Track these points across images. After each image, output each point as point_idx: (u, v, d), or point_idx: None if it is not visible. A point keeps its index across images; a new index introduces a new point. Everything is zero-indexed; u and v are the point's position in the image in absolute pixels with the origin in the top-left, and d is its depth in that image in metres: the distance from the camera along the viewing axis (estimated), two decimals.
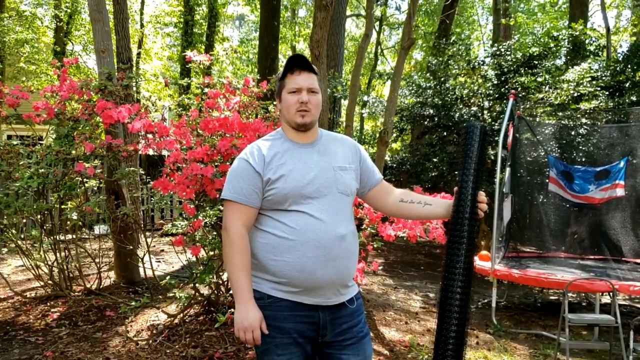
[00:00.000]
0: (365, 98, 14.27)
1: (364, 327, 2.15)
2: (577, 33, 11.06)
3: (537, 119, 8.71)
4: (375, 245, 5.03)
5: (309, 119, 2.11)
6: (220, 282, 4.77)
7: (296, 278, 2.00)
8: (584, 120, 8.66)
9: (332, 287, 2.04)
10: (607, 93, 9.35)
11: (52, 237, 5.40)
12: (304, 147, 2.13)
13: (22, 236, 5.83)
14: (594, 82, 9.28)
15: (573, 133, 8.43)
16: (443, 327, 1.97)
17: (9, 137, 10.79)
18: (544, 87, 9.68)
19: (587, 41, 11.62)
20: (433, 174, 9.76)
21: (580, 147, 8.29)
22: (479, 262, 6.43)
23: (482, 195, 2.05)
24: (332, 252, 2.00)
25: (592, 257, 7.36)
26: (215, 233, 4.50)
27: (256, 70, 13.90)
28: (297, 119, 2.10)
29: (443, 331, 1.97)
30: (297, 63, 2.11)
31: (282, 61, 23.33)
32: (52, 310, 5.18)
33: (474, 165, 2.01)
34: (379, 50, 24.01)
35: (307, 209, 2.01)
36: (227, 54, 14.42)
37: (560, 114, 9.08)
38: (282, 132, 2.20)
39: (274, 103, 5.46)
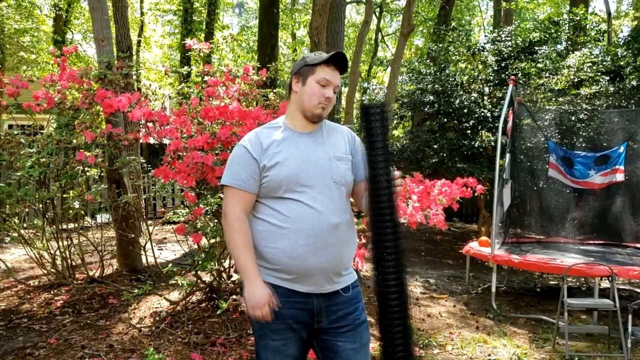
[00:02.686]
0: (366, 85, 14.25)
1: (360, 315, 2.17)
2: (578, 18, 11.03)
3: (537, 105, 8.70)
4: None
5: (325, 114, 2.16)
6: (222, 269, 4.81)
7: (288, 265, 2.03)
8: (584, 106, 8.65)
9: (324, 275, 2.06)
10: (607, 78, 9.34)
11: (54, 226, 5.43)
12: (303, 136, 2.15)
13: (25, 225, 5.86)
14: (594, 67, 9.27)
15: (573, 118, 8.43)
16: (384, 311, 1.97)
17: (10, 126, 10.81)
18: (544, 72, 9.67)
19: (588, 26, 11.59)
20: (433, 161, 9.77)
21: (581, 133, 8.29)
22: (479, 248, 6.47)
23: (395, 172, 2.03)
24: (324, 241, 2.02)
25: (591, 242, 7.40)
26: (216, 221, 4.53)
27: (256, 57, 13.87)
28: (317, 111, 2.13)
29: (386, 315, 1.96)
30: (339, 60, 2.15)
31: (282, 48, 23.29)
32: (56, 298, 5.22)
33: (381, 144, 1.96)
34: (379, 37, 23.94)
35: (301, 197, 2.03)
36: (227, 41, 14.38)
37: (561, 99, 9.07)
38: (283, 120, 2.22)
39: (274, 91, 5.47)
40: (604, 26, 12.86)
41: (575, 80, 9.22)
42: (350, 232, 2.16)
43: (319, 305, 2.08)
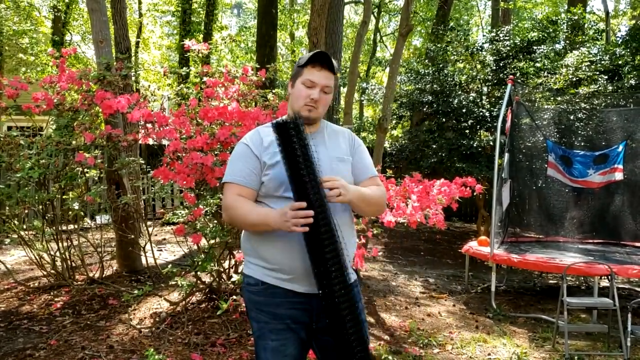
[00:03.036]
0: (364, 85, 14.25)
1: (361, 314, 2.17)
2: (577, 17, 11.04)
3: (536, 104, 8.71)
4: (375, 232, 5.07)
5: (314, 115, 2.13)
6: (222, 269, 4.82)
7: (286, 265, 2.03)
8: (582, 105, 8.67)
9: None
10: (606, 77, 9.36)
11: (54, 227, 5.43)
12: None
13: (25, 227, 5.86)
14: (592, 67, 9.29)
15: (572, 118, 8.45)
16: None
17: (9, 128, 10.80)
18: (542, 72, 9.68)
19: (586, 25, 11.61)
20: (432, 160, 9.78)
21: (579, 132, 8.31)
22: (478, 247, 6.48)
23: (325, 178, 1.96)
24: None
25: (590, 241, 7.41)
26: (215, 222, 4.54)
27: (255, 58, 13.88)
28: (303, 112, 2.11)
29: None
30: (322, 59, 2.12)
31: (281, 49, 23.32)
32: (56, 299, 5.22)
33: (302, 160, 1.90)
34: (378, 37, 23.95)
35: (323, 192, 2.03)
36: (225, 42, 14.39)
37: (559, 98, 9.09)
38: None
39: (273, 91, 5.48)
40: (602, 25, 12.88)
41: (574, 79, 9.23)
42: (350, 232, 2.16)
43: (318, 306, 2.07)
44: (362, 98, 16.24)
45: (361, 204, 2.13)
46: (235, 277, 4.48)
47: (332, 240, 1.89)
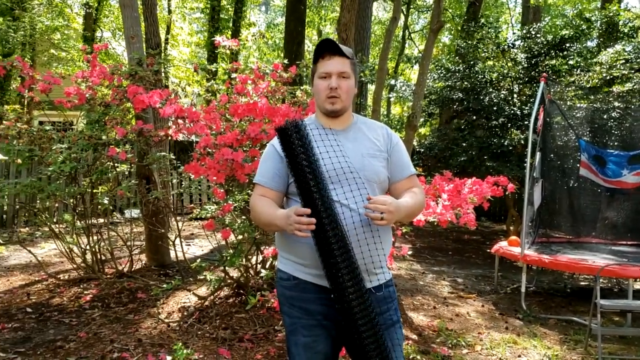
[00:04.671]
0: (393, 82, 14.16)
1: (393, 315, 2.12)
2: (611, 14, 10.80)
3: (568, 103, 8.55)
4: (404, 231, 5.02)
5: (339, 106, 2.09)
6: (250, 265, 4.82)
7: (317, 260, 1.98)
8: (616, 104, 8.47)
9: None
10: None
11: (84, 221, 5.50)
12: (335, 133, 2.11)
13: (55, 220, 5.95)
14: (627, 65, 9.07)
15: (605, 117, 8.27)
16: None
17: (41, 122, 11.00)
18: (575, 70, 9.50)
19: (621, 22, 11.34)
20: (462, 159, 9.67)
21: (613, 131, 8.13)
22: (508, 248, 6.38)
23: (373, 200, 1.92)
24: (355, 238, 1.97)
25: (624, 242, 7.24)
26: (244, 217, 4.54)
27: (282, 55, 13.88)
28: (327, 106, 2.09)
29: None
30: (327, 48, 2.09)
31: (309, 45, 23.30)
32: (85, 292, 5.29)
33: (306, 164, 1.87)
34: (407, 34, 23.79)
35: (332, 194, 1.99)
36: (255, 38, 14.42)
37: (592, 97, 8.90)
38: (315, 118, 2.20)
39: (302, 88, 5.46)
40: (638, 22, 12.55)
41: (608, 77, 9.03)
42: (385, 231, 2.10)
43: None
44: (390, 95, 16.11)
45: (406, 220, 2.11)
46: (263, 273, 4.48)
47: (341, 244, 1.86)
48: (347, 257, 1.86)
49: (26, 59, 14.77)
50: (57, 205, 8.37)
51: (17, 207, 8.81)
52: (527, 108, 9.38)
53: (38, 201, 6.74)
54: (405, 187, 2.19)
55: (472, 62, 10.66)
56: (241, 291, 4.91)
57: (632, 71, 9.04)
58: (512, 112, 9.53)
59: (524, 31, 10.53)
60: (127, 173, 6.39)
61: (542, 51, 9.79)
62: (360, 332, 1.87)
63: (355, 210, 1.99)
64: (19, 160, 5.15)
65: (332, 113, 2.11)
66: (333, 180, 2.01)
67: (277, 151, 2.09)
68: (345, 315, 1.88)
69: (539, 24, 10.94)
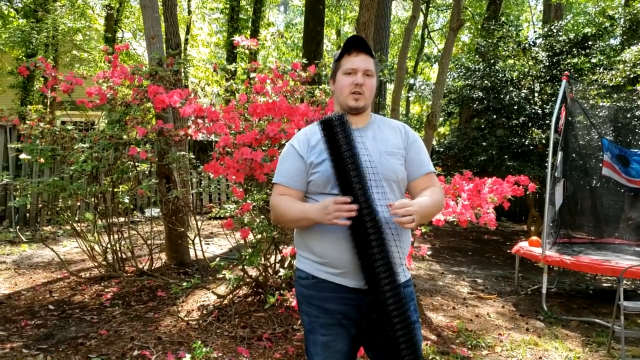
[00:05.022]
0: (412, 81, 14.10)
1: (412, 315, 2.07)
2: (635, 11, 10.63)
3: (591, 102, 8.43)
4: (423, 231, 4.99)
5: (362, 103, 2.09)
6: (268, 264, 4.83)
7: (336, 258, 2.00)
8: None
9: None
10: None
11: (105, 220, 5.56)
12: (355, 132, 2.10)
13: (77, 218, 6.02)
14: None
15: (629, 115, 8.13)
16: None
17: (63, 122, 11.14)
18: (598, 68, 9.37)
19: None
20: (482, 158, 9.59)
21: (637, 130, 7.99)
22: (529, 248, 6.31)
23: (397, 204, 1.91)
24: None
25: None
26: (263, 216, 4.55)
27: (301, 54, 13.89)
28: (350, 102, 2.08)
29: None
30: (355, 44, 2.08)
31: (327, 45, 23.31)
32: (106, 290, 5.34)
33: (348, 154, 1.88)
34: (426, 33, 23.66)
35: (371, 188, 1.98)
36: (274, 38, 14.46)
37: (615, 95, 8.77)
38: None
39: (320, 87, 5.46)
40: None
41: (632, 75, 8.89)
42: (403, 230, 2.08)
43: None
44: (409, 94, 16.03)
45: (424, 220, 2.10)
46: (282, 272, 4.48)
47: (378, 235, 1.86)
48: (383, 248, 1.87)
49: (49, 59, 14.98)
50: (78, 204, 8.48)
51: (40, 205, 8.94)
52: (548, 107, 9.27)
53: (60, 200, 6.84)
54: (423, 186, 2.16)
55: (492, 61, 10.57)
56: (260, 290, 4.92)
57: None
58: (533, 111, 9.43)
59: (545, 29, 10.41)
60: (147, 172, 6.45)
61: (564, 49, 9.67)
62: (393, 324, 1.86)
63: (373, 208, 1.98)
64: (42, 160, 5.23)
65: (354, 110, 2.10)
66: None
67: (296, 151, 2.10)
68: (379, 308, 1.87)
69: (560, 22, 10.82)
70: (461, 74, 10.95)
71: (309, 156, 2.07)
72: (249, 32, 18.55)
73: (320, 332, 2.06)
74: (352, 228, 1.87)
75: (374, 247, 1.85)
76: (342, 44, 2.16)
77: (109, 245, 5.54)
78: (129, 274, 5.72)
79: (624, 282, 4.84)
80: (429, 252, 5.18)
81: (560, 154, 6.40)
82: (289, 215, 2.05)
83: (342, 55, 2.11)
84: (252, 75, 5.02)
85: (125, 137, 5.06)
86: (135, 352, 3.81)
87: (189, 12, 21.12)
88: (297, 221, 2.05)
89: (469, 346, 4.37)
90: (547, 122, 8.85)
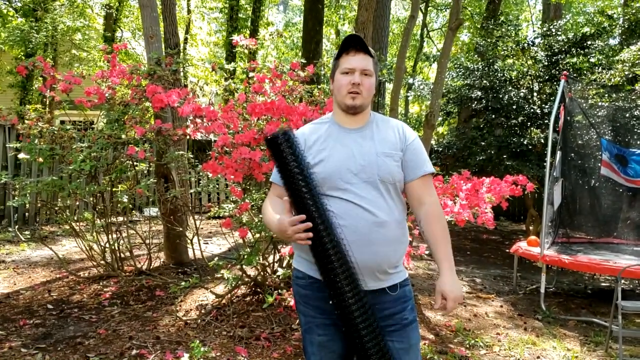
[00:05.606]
0: (411, 81, 14.10)
1: (409, 315, 2.10)
2: (634, 11, 10.64)
3: (590, 101, 8.43)
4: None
5: (359, 102, 2.07)
6: (267, 264, 4.83)
7: None
8: (639, 102, 8.34)
9: (368, 272, 1.99)
10: None
11: (104, 219, 5.56)
12: (350, 132, 2.10)
13: (76, 218, 6.02)
14: None
15: (628, 115, 8.14)
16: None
17: (62, 122, 11.14)
18: (597, 68, 9.37)
19: None
20: (480, 158, 9.59)
21: (636, 130, 8.00)
22: (528, 248, 6.32)
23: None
24: (368, 238, 1.96)
25: None
26: (261, 216, 4.55)
27: (300, 54, 13.89)
28: (347, 101, 2.07)
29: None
30: (353, 43, 2.07)
31: (327, 45, 23.31)
32: (105, 289, 5.34)
33: (298, 171, 1.85)
34: (425, 32, 23.67)
35: (344, 194, 1.98)
36: (272, 38, 14.47)
37: (614, 95, 8.77)
38: (331, 116, 2.19)
39: (319, 87, 5.46)
40: None
41: (630, 75, 8.89)
42: (400, 230, 2.09)
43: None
44: (408, 94, 16.03)
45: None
46: (280, 272, 4.49)
47: (338, 249, 1.85)
48: (344, 262, 1.85)
49: (48, 59, 14.96)
50: (77, 203, 8.47)
51: (39, 205, 8.94)
52: (547, 107, 9.27)
53: (59, 199, 6.84)
54: (419, 189, 2.13)
55: (491, 60, 10.57)
56: (258, 290, 4.93)
57: None
58: (532, 110, 9.44)
59: (544, 29, 10.41)
60: (146, 172, 6.44)
61: (563, 49, 9.68)
62: (361, 336, 1.85)
63: (368, 210, 1.98)
64: (41, 159, 5.23)
65: (351, 109, 2.09)
66: (347, 179, 2.00)
67: None
68: (345, 321, 1.87)
69: (559, 22, 10.82)
70: (460, 73, 10.95)
71: (305, 156, 2.06)
72: (248, 32, 18.55)
73: (317, 332, 2.06)
74: (311, 245, 1.86)
75: (333, 262, 1.83)
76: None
77: (107, 245, 5.54)
78: (127, 274, 5.72)
79: (622, 281, 4.84)
80: (427, 252, 5.19)
81: (559, 154, 6.41)
82: (267, 223, 2.05)
83: (341, 54, 2.10)
84: (251, 74, 5.03)
85: (123, 136, 5.06)
86: (134, 352, 3.81)
87: (189, 11, 21.12)
88: (270, 230, 2.05)
89: (467, 345, 4.37)
90: (546, 121, 8.85)
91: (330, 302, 1.89)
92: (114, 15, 19.25)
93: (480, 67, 10.55)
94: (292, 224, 1.82)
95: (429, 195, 2.15)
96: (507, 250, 7.35)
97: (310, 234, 1.82)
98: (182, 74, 6.43)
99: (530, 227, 9.84)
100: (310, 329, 2.09)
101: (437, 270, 2.13)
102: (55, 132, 5.20)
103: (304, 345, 2.14)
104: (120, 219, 6.14)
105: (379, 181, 2.02)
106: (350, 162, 2.02)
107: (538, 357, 4.25)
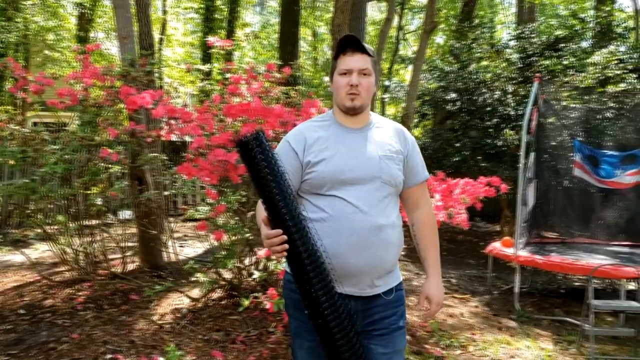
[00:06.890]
0: (387, 83, 14.16)
1: (398, 320, 2.09)
2: (605, 14, 10.84)
3: (562, 103, 8.56)
4: None
5: (359, 103, 2.06)
6: (242, 266, 4.80)
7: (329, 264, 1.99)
8: (610, 104, 8.50)
9: (365, 277, 2.00)
10: (634, 76, 9.16)
11: (77, 222, 5.48)
12: (352, 133, 2.09)
13: (49, 221, 5.92)
14: (621, 65, 9.11)
15: (599, 117, 8.29)
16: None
17: (35, 124, 10.97)
18: (569, 70, 9.52)
19: (614, 23, 11.38)
20: (455, 160, 9.68)
21: (607, 131, 8.14)
22: (502, 248, 6.39)
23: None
24: (366, 241, 1.96)
25: (617, 243, 7.25)
26: (237, 218, 4.52)
27: (277, 55, 13.87)
28: (346, 102, 2.06)
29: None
30: (349, 43, 2.06)
31: (303, 46, 23.30)
32: (78, 293, 5.26)
33: (270, 176, 1.77)
34: (401, 35, 23.80)
35: (344, 195, 1.97)
36: (248, 39, 14.41)
37: (586, 97, 8.92)
38: (332, 115, 2.17)
39: (295, 88, 5.46)
40: (631, 23, 12.60)
41: (602, 77, 9.06)
42: (397, 234, 2.09)
43: (356, 308, 2.02)
44: (384, 96, 16.10)
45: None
46: (256, 274, 4.47)
47: (312, 259, 1.81)
48: (319, 272, 1.81)
49: (20, 60, 14.73)
50: (50, 206, 8.34)
51: (11, 208, 8.78)
52: (521, 108, 9.39)
53: (31, 202, 6.72)
54: (417, 194, 2.18)
55: (466, 63, 10.67)
56: (234, 293, 4.90)
57: (626, 71, 9.08)
58: (506, 112, 9.55)
59: (518, 31, 10.55)
60: (120, 174, 6.36)
61: (537, 51, 9.81)
62: (337, 346, 1.84)
63: (367, 212, 1.97)
64: (12, 162, 5.13)
65: (351, 110, 2.08)
66: (349, 180, 1.99)
67: (292, 148, 2.06)
68: (321, 331, 1.85)
69: (533, 24, 10.97)
70: (435, 75, 11.03)
71: (305, 155, 2.04)
72: (224, 33, 18.45)
73: (306, 337, 2.05)
74: (286, 255, 1.81)
75: (309, 272, 1.80)
76: (318, 45, 2.16)
77: (80, 248, 5.46)
78: (101, 277, 5.64)
79: (594, 281, 4.92)
80: (403, 253, 5.20)
81: (532, 155, 6.49)
82: (259, 226, 2.01)
83: (338, 55, 2.09)
84: (227, 75, 5.00)
85: (97, 138, 4.99)
86: (108, 356, 3.76)
87: (164, 11, 20.94)
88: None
89: (443, 346, 4.41)
90: (520, 123, 8.94)
91: (305, 312, 1.87)
92: (88, 15, 18.99)
93: (455, 69, 10.64)
94: (267, 238, 1.79)
95: (425, 200, 2.20)
96: (482, 251, 7.42)
97: (286, 246, 1.77)
98: (157, 75, 6.36)
99: (505, 228, 9.95)
100: (300, 334, 2.08)
101: (424, 274, 2.15)
102: (27, 134, 5.10)
103: (292, 349, 2.13)
104: (94, 222, 6.06)
105: (381, 183, 2.02)
106: (353, 163, 2.01)
107: (512, 357, 4.30)
